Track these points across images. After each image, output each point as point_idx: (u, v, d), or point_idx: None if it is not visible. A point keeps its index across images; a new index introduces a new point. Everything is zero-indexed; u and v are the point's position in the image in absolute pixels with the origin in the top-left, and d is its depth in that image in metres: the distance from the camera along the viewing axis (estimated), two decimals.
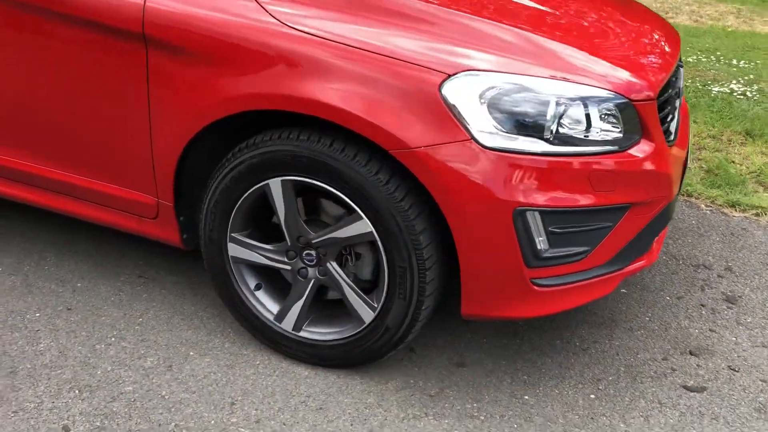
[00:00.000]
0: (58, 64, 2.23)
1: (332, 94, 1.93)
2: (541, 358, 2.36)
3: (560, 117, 1.92)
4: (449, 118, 1.88)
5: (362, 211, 2.00)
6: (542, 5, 2.47)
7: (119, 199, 2.35)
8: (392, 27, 2.00)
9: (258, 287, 2.30)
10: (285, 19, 2.00)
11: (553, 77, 1.93)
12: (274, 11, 2.02)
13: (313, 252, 2.16)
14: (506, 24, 2.15)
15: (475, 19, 2.10)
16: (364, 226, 2.02)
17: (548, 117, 1.90)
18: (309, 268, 2.18)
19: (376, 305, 2.10)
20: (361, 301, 2.12)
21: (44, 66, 2.25)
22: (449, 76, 1.89)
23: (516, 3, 2.41)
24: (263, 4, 2.03)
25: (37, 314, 2.46)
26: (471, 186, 1.89)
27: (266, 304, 2.28)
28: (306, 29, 1.99)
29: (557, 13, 2.43)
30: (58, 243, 2.87)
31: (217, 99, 2.05)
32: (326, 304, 2.28)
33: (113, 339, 2.37)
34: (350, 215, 2.04)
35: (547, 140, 1.91)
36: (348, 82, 1.93)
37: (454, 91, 1.88)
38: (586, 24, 2.38)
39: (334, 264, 2.14)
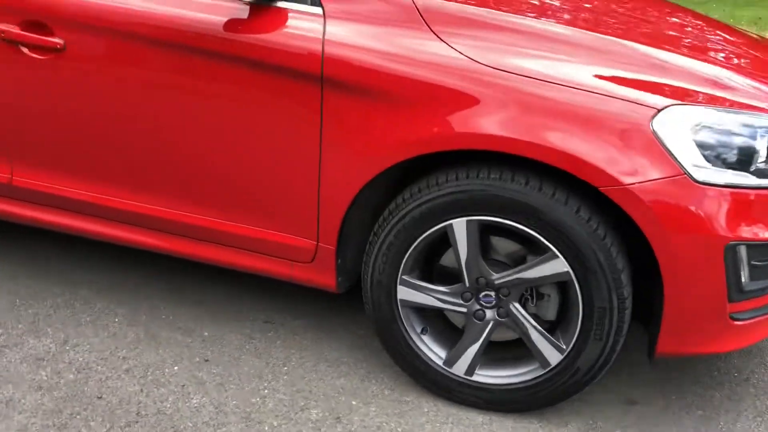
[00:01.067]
0: (219, 107, 2.12)
1: (536, 132, 1.88)
2: (707, 392, 2.32)
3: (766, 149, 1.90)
4: (661, 152, 1.84)
5: (558, 249, 1.94)
6: (681, 33, 2.47)
7: (271, 244, 2.23)
8: (583, 58, 1.96)
9: (424, 331, 2.21)
10: (473, 55, 1.94)
11: (757, 109, 1.92)
12: (459, 46, 1.95)
13: (492, 293, 2.08)
14: (698, 56, 2.15)
15: (663, 50, 2.07)
16: (560, 265, 1.95)
17: (757, 149, 1.88)
18: (487, 310, 2.10)
19: (564, 347, 2.03)
20: (547, 343, 2.05)
21: (202, 109, 2.15)
22: (659, 110, 1.85)
23: (670, 34, 2.41)
24: (448, 41, 1.96)
25: (176, 368, 2.32)
26: (684, 221, 1.85)
27: (433, 349, 2.19)
28: (498, 66, 1.93)
29: (714, 40, 2.44)
30: (167, 289, 2.73)
31: (401, 141, 1.97)
32: (494, 347, 2.20)
33: (266, 391, 2.24)
34: (542, 255, 1.98)
35: (752, 173, 1.89)
36: (550, 118, 1.87)
37: (665, 125, 1.84)
38: (746, 53, 2.39)
39: (518, 305, 2.07)
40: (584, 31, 2.10)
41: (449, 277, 2.14)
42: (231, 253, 2.32)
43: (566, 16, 2.32)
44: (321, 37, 1.99)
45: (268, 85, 2.04)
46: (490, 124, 1.90)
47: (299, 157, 2.08)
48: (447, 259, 2.17)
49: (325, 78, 1.98)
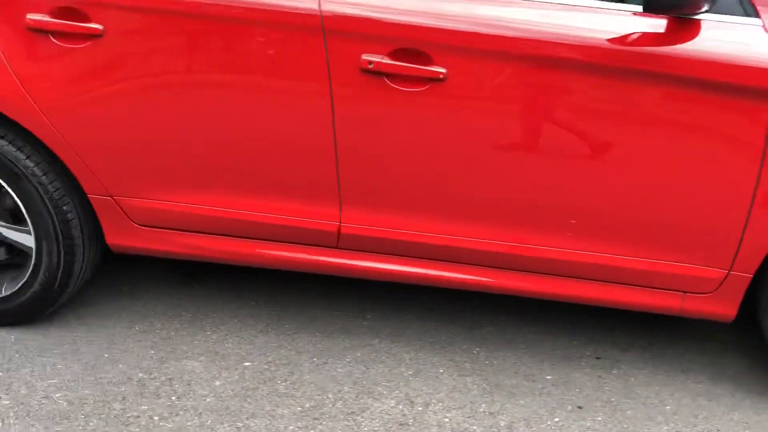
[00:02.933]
0: (639, 132, 1.90)
1: None
2: None
3: None
4: None
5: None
6: None
7: (661, 276, 2.03)
8: None
9: None
10: None
11: None
12: None
13: None
14: None
15: None
16: None
17: None
18: None
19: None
20: None
21: (613, 136, 1.92)
22: None
23: None
24: None
25: (556, 419, 2.08)
26: None
27: None
28: None
29: None
30: (468, 328, 2.50)
31: None
32: None
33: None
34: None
35: None
36: None
37: None
38: None
39: None
40: None
41: None
42: (598, 288, 2.12)
43: None
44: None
45: (711, 104, 1.86)
46: None
47: (735, 180, 1.91)
48: None
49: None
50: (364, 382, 2.19)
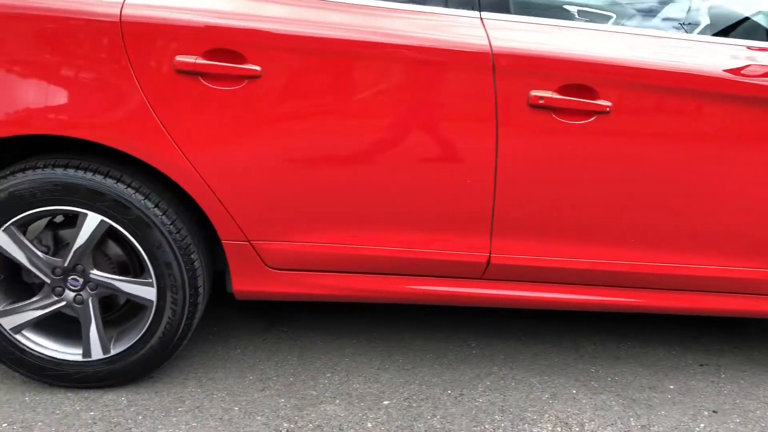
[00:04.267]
0: None
1: None
2: None
3: None
4: None
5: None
6: None
7: None
8: None
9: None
10: None
11: None
12: None
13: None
14: None
15: None
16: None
17: None
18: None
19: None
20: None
21: None
22: None
23: None
24: None
25: (702, 423, 2.21)
26: None
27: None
28: None
29: None
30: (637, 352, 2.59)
31: None
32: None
33: None
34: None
35: None
36: None
37: None
38: None
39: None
40: None
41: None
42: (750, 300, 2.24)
43: None
44: None
45: None
46: None
47: None
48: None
49: None
50: (511, 410, 2.22)
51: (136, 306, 2.24)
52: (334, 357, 2.48)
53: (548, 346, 2.61)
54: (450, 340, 2.63)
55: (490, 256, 2.14)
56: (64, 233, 2.18)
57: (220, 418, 2.13)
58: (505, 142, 1.99)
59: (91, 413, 2.13)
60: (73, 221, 2.10)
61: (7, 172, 2.03)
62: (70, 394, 2.22)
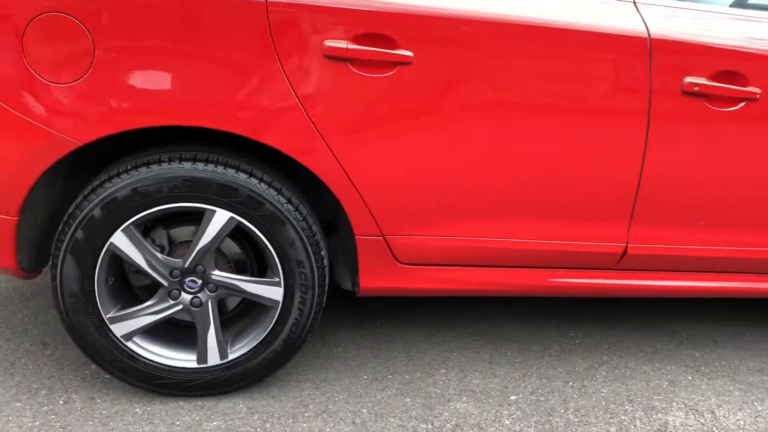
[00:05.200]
0: None
1: None
2: None
3: None
4: None
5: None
6: None
7: None
8: None
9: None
10: None
11: None
12: None
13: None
14: None
15: None
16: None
17: None
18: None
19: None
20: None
21: None
22: None
23: None
24: None
25: None
26: None
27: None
28: None
29: None
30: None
31: None
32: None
33: None
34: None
35: None
36: None
37: None
38: None
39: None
40: None
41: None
42: None
43: None
44: None
45: None
46: None
47: None
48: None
49: None
50: (638, 399, 2.20)
51: (249, 308, 2.11)
52: (441, 352, 2.41)
53: (645, 333, 2.61)
54: (549, 331, 2.59)
55: (627, 246, 2.10)
56: (176, 232, 2.03)
57: (352, 422, 2.03)
58: (656, 129, 1.95)
59: (213, 423, 2.00)
60: (180, 219, 1.95)
61: (128, 167, 1.86)
62: (182, 403, 2.08)
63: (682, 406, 2.18)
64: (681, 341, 2.56)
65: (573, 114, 1.95)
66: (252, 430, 1.98)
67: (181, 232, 2.03)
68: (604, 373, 2.33)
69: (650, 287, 2.19)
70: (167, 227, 2.02)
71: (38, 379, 2.16)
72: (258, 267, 2.10)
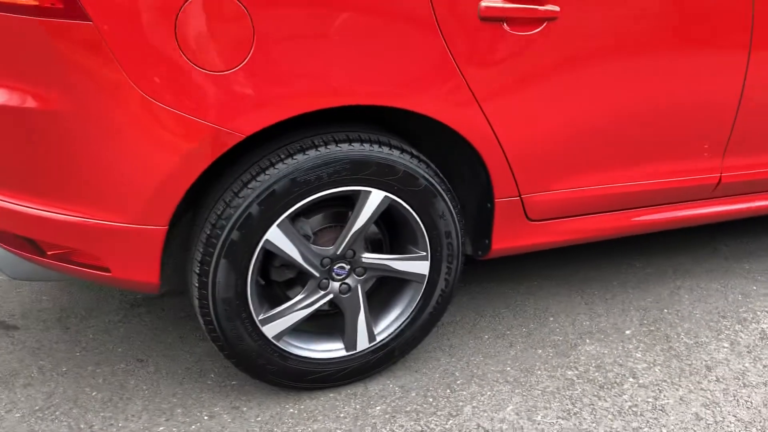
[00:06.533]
0: None
1: None
2: None
3: None
4: None
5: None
6: None
7: None
8: None
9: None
10: None
11: None
12: None
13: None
14: None
15: None
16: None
17: None
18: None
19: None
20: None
21: None
22: None
23: None
24: None
25: None
26: None
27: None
28: None
29: None
30: None
31: None
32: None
33: None
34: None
35: None
36: None
37: None
38: None
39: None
40: None
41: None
42: None
43: None
44: None
45: None
46: None
47: None
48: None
49: None
50: (728, 314, 2.39)
51: (380, 287, 2.06)
52: (537, 301, 2.48)
53: (692, 254, 2.82)
54: (617, 265, 2.73)
55: (721, 176, 2.26)
56: (313, 221, 1.92)
57: (506, 381, 2.07)
58: (755, 59, 2.09)
59: (378, 408, 1.96)
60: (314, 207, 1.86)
61: (281, 156, 1.73)
62: (331, 395, 2.01)
63: (767, 313, 2.41)
64: (726, 257, 2.80)
65: (685, 48, 2.03)
66: (418, 406, 1.96)
67: (315, 221, 1.93)
68: (686, 296, 2.51)
69: (746, 209, 2.38)
70: (307, 217, 1.90)
71: (162, 398, 1.99)
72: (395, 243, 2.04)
